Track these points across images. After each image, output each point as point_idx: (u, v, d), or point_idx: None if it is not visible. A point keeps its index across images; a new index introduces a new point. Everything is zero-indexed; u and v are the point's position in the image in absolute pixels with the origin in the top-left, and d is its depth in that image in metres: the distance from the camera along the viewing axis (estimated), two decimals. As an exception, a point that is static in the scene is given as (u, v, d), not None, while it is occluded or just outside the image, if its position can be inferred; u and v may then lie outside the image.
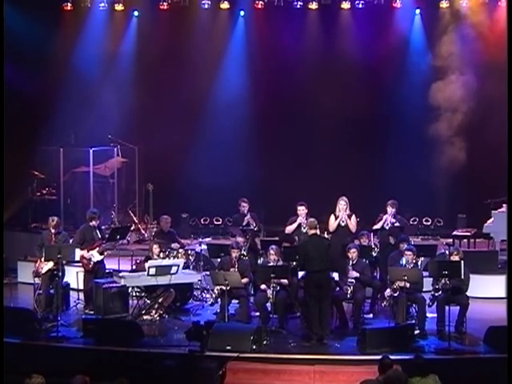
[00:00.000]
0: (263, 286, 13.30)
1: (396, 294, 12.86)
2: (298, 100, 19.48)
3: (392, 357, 10.28)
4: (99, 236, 14.33)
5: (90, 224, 14.35)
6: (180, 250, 15.12)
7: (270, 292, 13.07)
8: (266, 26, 19.69)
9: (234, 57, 19.74)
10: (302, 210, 14.70)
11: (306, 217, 14.56)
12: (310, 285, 12.69)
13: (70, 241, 14.38)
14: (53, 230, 14.03)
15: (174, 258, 14.74)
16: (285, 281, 13.24)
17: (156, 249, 14.39)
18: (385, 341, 11.97)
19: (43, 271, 13.75)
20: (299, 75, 19.42)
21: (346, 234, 14.60)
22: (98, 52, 19.36)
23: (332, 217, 14.66)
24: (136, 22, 19.93)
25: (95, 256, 14.17)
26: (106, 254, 14.42)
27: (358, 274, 13.32)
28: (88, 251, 14.09)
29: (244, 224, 14.94)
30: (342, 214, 14.61)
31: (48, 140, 18.77)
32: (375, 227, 14.84)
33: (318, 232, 13.20)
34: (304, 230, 14.34)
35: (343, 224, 14.61)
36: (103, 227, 15.64)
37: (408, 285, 12.72)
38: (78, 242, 14.19)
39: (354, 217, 14.68)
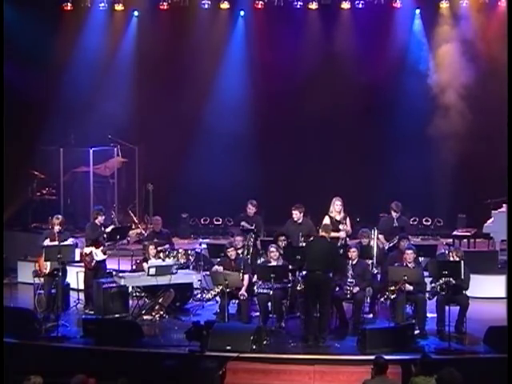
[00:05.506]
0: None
1: (396, 295, 12.86)
2: (297, 100, 19.44)
3: (392, 357, 10.27)
4: (104, 235, 14.32)
5: (96, 221, 14.38)
6: (180, 250, 15.13)
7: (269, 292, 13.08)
8: (266, 26, 19.69)
9: (234, 57, 19.73)
10: (296, 215, 14.42)
11: (303, 219, 14.48)
12: (308, 284, 12.71)
13: (72, 240, 14.33)
14: (57, 228, 13.87)
15: (173, 258, 14.73)
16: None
17: (152, 250, 14.33)
18: (385, 341, 11.95)
19: (47, 271, 13.67)
20: (299, 75, 19.40)
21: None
22: (98, 52, 19.35)
23: (326, 218, 14.40)
24: (136, 22, 19.93)
25: (98, 255, 14.18)
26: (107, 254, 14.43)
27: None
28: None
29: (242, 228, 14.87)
30: (340, 216, 14.51)
31: (48, 140, 18.76)
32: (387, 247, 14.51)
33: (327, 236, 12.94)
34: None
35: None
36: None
37: (408, 285, 12.70)
38: (91, 238, 14.20)
39: (347, 219, 14.50)
